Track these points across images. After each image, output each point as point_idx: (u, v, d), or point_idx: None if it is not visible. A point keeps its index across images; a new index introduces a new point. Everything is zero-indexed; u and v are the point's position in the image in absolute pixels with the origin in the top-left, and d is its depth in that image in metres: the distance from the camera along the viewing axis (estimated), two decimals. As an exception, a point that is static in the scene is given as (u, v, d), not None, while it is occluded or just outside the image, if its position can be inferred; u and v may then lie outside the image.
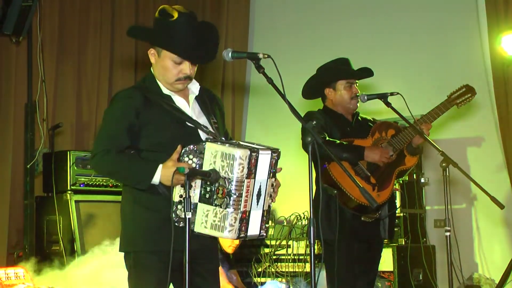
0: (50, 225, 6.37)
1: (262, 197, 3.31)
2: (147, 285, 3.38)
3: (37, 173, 6.62)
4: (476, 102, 6.55)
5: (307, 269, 6.28)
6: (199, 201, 3.24)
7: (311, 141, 3.19)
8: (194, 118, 3.50)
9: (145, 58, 3.65)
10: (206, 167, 3.22)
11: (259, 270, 6.63)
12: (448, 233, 4.23)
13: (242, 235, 3.25)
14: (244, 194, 3.20)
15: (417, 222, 6.68)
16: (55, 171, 6.43)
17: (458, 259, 6.37)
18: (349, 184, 4.59)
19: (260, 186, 3.29)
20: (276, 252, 6.64)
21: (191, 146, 3.26)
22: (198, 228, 3.24)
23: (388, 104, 4.67)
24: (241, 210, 3.20)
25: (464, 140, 7.18)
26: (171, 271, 3.18)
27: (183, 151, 3.27)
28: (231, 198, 3.17)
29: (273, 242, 6.67)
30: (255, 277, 6.59)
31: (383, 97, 4.69)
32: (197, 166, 3.24)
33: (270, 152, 3.31)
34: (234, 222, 3.19)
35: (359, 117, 5.00)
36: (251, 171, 3.21)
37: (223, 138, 3.39)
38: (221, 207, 3.18)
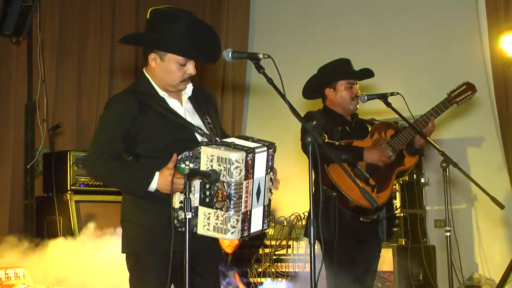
0: (50, 225, 6.37)
1: (262, 194, 3.31)
2: (148, 286, 3.38)
3: (37, 173, 6.63)
4: (476, 102, 6.56)
5: (307, 269, 6.28)
6: (200, 205, 3.23)
7: (311, 141, 3.18)
8: (188, 118, 3.49)
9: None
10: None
11: (259, 270, 6.63)
12: (448, 233, 4.23)
13: (245, 234, 3.25)
14: (244, 196, 3.20)
15: (417, 222, 6.69)
16: (55, 171, 6.43)
17: (458, 259, 6.38)
18: (348, 186, 4.59)
19: (259, 183, 3.28)
20: (276, 252, 6.65)
21: (186, 153, 3.24)
22: (201, 230, 3.23)
23: (388, 104, 4.66)
24: (242, 211, 3.20)
25: (464, 140, 7.18)
26: (172, 272, 3.18)
27: (178, 158, 3.25)
28: (231, 201, 3.16)
29: (273, 242, 6.68)
30: (255, 277, 6.59)
31: (383, 97, 4.69)
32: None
33: (265, 149, 3.30)
34: (237, 224, 3.19)
35: (357, 119, 5.00)
36: (249, 172, 3.21)
37: (218, 139, 3.37)
38: (222, 210, 3.18)
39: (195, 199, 3.23)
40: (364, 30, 7.76)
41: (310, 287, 3.14)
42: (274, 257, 6.63)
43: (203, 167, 3.20)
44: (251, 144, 3.29)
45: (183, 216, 3.20)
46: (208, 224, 3.21)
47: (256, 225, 3.31)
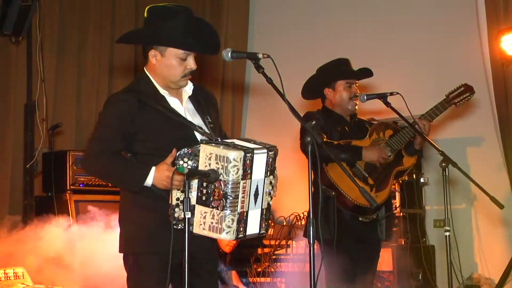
0: (50, 225, 6.37)
1: (260, 197, 3.30)
2: (146, 286, 3.37)
3: (36, 173, 6.62)
4: (476, 101, 6.56)
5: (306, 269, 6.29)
6: (196, 203, 3.23)
7: (310, 141, 3.19)
8: (189, 118, 3.49)
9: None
10: (201, 168, 3.21)
11: (259, 270, 6.63)
12: (447, 233, 4.23)
13: (240, 235, 3.25)
14: (240, 195, 3.19)
15: (417, 222, 6.69)
16: (54, 171, 6.43)
17: (457, 259, 6.38)
18: (347, 185, 4.60)
19: (257, 185, 3.28)
20: (276, 252, 6.65)
21: (185, 150, 3.24)
22: (197, 229, 3.23)
23: (387, 104, 4.66)
24: (238, 211, 3.19)
25: (463, 140, 7.18)
26: (171, 272, 3.18)
27: (177, 154, 3.25)
28: (228, 200, 3.16)
29: (272, 242, 6.68)
30: (254, 277, 6.59)
31: (382, 97, 4.69)
32: (192, 168, 3.22)
33: (266, 151, 3.30)
34: (232, 224, 3.18)
35: (356, 119, 5.00)
36: (247, 172, 3.21)
37: (219, 139, 3.37)
38: (218, 209, 3.18)
39: (192, 197, 3.23)
40: (363, 30, 7.76)
41: (310, 287, 3.14)
42: (274, 256, 6.63)
43: (201, 165, 3.20)
44: (251, 145, 3.29)
45: (179, 214, 3.20)
46: (204, 223, 3.21)
47: (253, 227, 3.30)
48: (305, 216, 6.51)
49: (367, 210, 4.67)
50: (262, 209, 3.33)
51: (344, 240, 4.57)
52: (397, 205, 6.46)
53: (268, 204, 3.38)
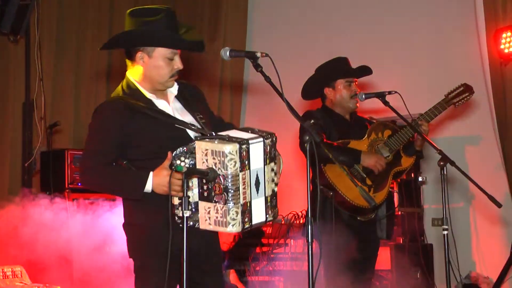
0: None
1: (261, 185, 3.30)
2: (154, 287, 3.36)
3: (34, 172, 6.62)
4: (474, 101, 6.55)
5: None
6: (199, 199, 3.23)
7: (309, 140, 3.19)
8: (179, 117, 3.48)
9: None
10: (199, 166, 3.21)
11: (257, 268, 6.63)
12: (445, 232, 4.23)
13: (247, 226, 3.25)
14: (241, 187, 3.20)
15: (415, 221, 6.69)
16: (52, 169, 6.43)
17: (455, 257, 6.37)
18: (344, 185, 4.60)
19: (257, 174, 3.28)
20: (274, 251, 6.65)
21: (181, 149, 3.24)
22: (203, 225, 3.24)
23: (386, 103, 4.67)
24: (241, 203, 3.20)
25: (461, 139, 7.19)
26: (175, 271, 3.18)
27: (174, 154, 3.25)
28: (229, 193, 3.17)
29: (270, 241, 6.68)
30: (252, 275, 6.59)
31: (381, 96, 4.69)
32: (190, 166, 3.23)
33: (261, 139, 3.30)
34: (236, 216, 3.19)
35: (356, 117, 5.00)
36: (244, 163, 3.21)
37: (213, 133, 3.36)
38: (220, 203, 3.18)
39: (194, 194, 3.23)
40: (362, 28, 7.76)
41: (308, 285, 3.14)
42: (272, 255, 6.63)
43: (198, 162, 3.21)
44: (246, 136, 3.29)
45: (180, 212, 3.21)
46: (209, 218, 3.22)
47: (258, 216, 3.31)
48: (303, 215, 6.51)
49: (365, 211, 4.68)
50: (266, 197, 3.33)
51: (343, 239, 4.57)
52: (396, 204, 6.46)
53: (273, 191, 3.37)
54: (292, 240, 6.57)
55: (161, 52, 3.44)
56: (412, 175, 6.78)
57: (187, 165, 3.22)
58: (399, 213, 6.57)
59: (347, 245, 4.64)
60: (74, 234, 5.35)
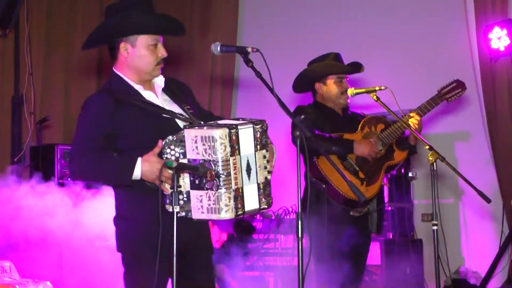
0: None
1: (253, 171, 3.30)
2: (144, 281, 3.33)
3: (23, 167, 6.60)
4: (464, 97, 6.55)
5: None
6: (191, 189, 3.23)
7: (299, 135, 3.19)
8: (167, 108, 3.49)
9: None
10: (189, 154, 3.21)
11: (247, 264, 6.63)
12: (435, 227, 4.24)
13: (240, 212, 3.25)
14: (232, 172, 3.20)
15: (405, 216, 6.71)
16: (42, 164, 6.41)
17: (445, 253, 6.41)
18: (337, 178, 4.60)
19: (248, 160, 3.28)
20: (264, 246, 6.65)
21: (170, 137, 3.25)
22: (196, 214, 3.23)
23: (376, 99, 4.67)
24: (233, 188, 3.20)
25: (451, 134, 7.21)
26: (167, 264, 3.17)
27: (163, 143, 3.25)
28: (221, 178, 3.17)
29: (261, 236, 6.67)
30: (242, 271, 6.59)
31: (371, 91, 4.70)
32: (180, 155, 3.23)
33: (251, 125, 3.31)
34: (229, 202, 3.19)
35: (349, 112, 5.01)
36: (235, 148, 3.22)
37: (201, 122, 3.37)
38: (212, 190, 3.18)
39: (185, 184, 3.23)
40: (353, 24, 7.76)
41: (298, 281, 3.14)
42: (262, 250, 6.63)
43: (188, 150, 3.21)
44: (235, 122, 3.30)
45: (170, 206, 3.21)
46: (202, 206, 3.21)
47: (252, 203, 3.30)
48: (293, 210, 6.51)
49: (357, 203, 4.68)
50: (258, 184, 3.33)
51: (335, 233, 4.58)
52: (386, 199, 6.48)
53: (266, 178, 3.37)
54: (282, 235, 6.57)
55: (143, 41, 3.45)
56: (402, 171, 6.79)
57: (177, 154, 3.22)
58: (389, 208, 6.59)
59: (339, 239, 4.64)
60: (64, 225, 5.31)
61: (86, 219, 5.16)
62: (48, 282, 4.98)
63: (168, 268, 3.20)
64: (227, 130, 3.19)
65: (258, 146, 3.33)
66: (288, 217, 6.63)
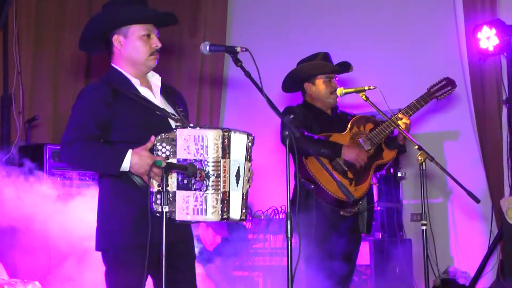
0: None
1: (241, 179, 3.31)
2: (127, 280, 3.33)
3: (12, 166, 6.56)
4: (453, 96, 6.58)
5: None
6: (178, 189, 3.23)
7: (288, 135, 3.19)
8: (162, 107, 3.50)
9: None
10: (180, 153, 3.22)
11: (236, 263, 6.63)
12: (424, 227, 4.25)
13: (225, 216, 3.25)
14: (222, 175, 3.21)
15: (394, 216, 6.71)
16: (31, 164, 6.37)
17: (434, 252, 6.41)
18: (326, 179, 4.60)
19: (238, 166, 3.30)
20: (253, 246, 6.64)
21: (163, 134, 3.26)
22: (180, 215, 3.22)
23: (365, 98, 4.68)
24: (221, 190, 3.21)
25: (440, 134, 7.22)
26: (151, 266, 3.17)
27: (156, 139, 3.27)
28: (210, 179, 3.18)
29: (250, 236, 6.67)
30: (232, 271, 6.58)
31: (360, 91, 4.70)
32: (171, 153, 3.24)
33: (246, 134, 3.34)
34: (216, 204, 3.19)
35: (338, 112, 5.01)
36: (226, 151, 3.23)
37: (192, 124, 3.38)
38: (201, 190, 3.19)
39: (172, 183, 3.23)
40: (342, 23, 7.77)
41: (287, 281, 3.14)
42: (251, 250, 6.62)
43: (179, 149, 3.21)
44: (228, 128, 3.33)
45: (158, 206, 3.20)
46: (187, 207, 3.20)
47: (235, 211, 3.31)
48: (282, 210, 6.51)
49: (346, 204, 4.69)
50: (242, 193, 3.33)
51: (325, 233, 4.58)
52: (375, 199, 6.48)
53: (247, 191, 3.38)
54: (271, 235, 6.57)
55: (135, 30, 3.48)
56: (392, 170, 6.80)
57: (167, 152, 3.23)
58: (378, 208, 6.60)
59: (329, 239, 4.65)
60: (53, 224, 5.27)
61: (75, 219, 5.14)
62: (36, 282, 4.96)
63: (151, 270, 3.21)
64: (220, 132, 3.22)
65: (248, 157, 3.35)
66: (277, 217, 6.62)
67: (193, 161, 3.20)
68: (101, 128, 3.37)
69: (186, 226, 3.48)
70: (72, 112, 3.47)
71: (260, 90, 3.28)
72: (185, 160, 3.21)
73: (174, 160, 3.22)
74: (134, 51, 3.49)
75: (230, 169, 3.26)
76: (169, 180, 3.22)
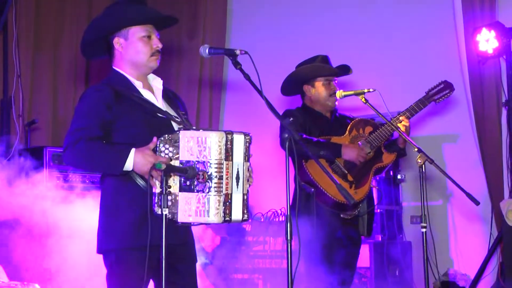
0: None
1: (241, 180, 3.32)
2: (129, 283, 3.33)
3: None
4: (452, 98, 6.59)
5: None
6: (180, 191, 3.23)
7: (288, 137, 3.20)
8: (164, 109, 3.51)
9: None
10: (182, 154, 3.23)
11: (236, 266, 6.63)
12: (424, 230, 4.26)
13: (227, 218, 3.25)
14: (224, 177, 3.22)
15: (394, 219, 6.72)
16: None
17: (434, 255, 6.42)
18: (326, 182, 4.61)
19: (238, 169, 3.30)
20: (253, 248, 6.64)
21: (166, 136, 3.27)
22: (182, 217, 3.22)
23: (365, 101, 4.68)
24: (223, 192, 3.21)
25: (440, 137, 7.22)
26: (152, 268, 3.17)
27: (159, 140, 3.27)
28: (213, 181, 3.19)
29: (249, 239, 6.67)
30: (232, 273, 6.58)
31: (360, 94, 4.71)
32: (173, 155, 3.24)
33: (243, 135, 3.35)
34: (218, 206, 3.20)
35: (337, 114, 5.01)
36: (229, 153, 3.24)
37: (194, 127, 3.39)
38: (203, 192, 3.19)
39: (175, 184, 3.23)
40: (341, 26, 7.77)
41: (287, 283, 3.14)
42: (251, 253, 6.62)
43: (182, 150, 3.22)
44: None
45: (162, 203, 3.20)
46: (189, 209, 3.21)
47: (237, 213, 3.31)
48: (282, 213, 6.51)
49: (346, 207, 4.69)
50: (243, 194, 3.34)
51: (325, 236, 4.58)
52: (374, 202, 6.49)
53: (247, 191, 3.39)
54: (271, 237, 6.57)
55: (135, 31, 3.50)
56: (391, 173, 6.81)
57: (170, 154, 3.24)
58: (378, 210, 6.60)
59: (329, 241, 4.65)
60: (54, 227, 5.27)
61: (75, 221, 5.14)
62: (36, 285, 4.96)
63: (150, 270, 3.20)
64: (224, 134, 3.23)
65: (246, 157, 3.35)
66: (277, 219, 6.63)
67: (196, 163, 3.20)
68: (103, 130, 3.38)
69: (187, 228, 3.48)
70: (74, 114, 3.47)
71: (260, 93, 3.29)
72: (188, 162, 3.22)
73: (176, 162, 3.23)
74: (135, 52, 3.50)
75: (232, 171, 3.27)
76: (172, 181, 3.23)
